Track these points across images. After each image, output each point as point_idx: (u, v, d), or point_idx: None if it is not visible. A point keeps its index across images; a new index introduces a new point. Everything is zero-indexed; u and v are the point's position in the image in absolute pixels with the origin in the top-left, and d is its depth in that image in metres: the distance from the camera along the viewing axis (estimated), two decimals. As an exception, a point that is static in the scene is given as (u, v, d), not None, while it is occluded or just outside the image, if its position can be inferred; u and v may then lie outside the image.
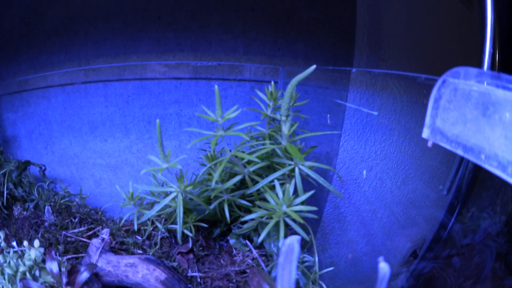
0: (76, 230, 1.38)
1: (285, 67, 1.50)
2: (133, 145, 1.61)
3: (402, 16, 1.38)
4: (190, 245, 1.32)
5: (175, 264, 1.29)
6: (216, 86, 0.94)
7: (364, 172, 1.41)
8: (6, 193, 1.52)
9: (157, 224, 1.27)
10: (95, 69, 1.55)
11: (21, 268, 1.17)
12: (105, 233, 1.30)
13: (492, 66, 0.99)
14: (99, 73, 1.55)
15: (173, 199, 1.10)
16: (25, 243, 1.23)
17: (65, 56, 1.57)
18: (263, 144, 1.11)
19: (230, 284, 1.26)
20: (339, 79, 1.34)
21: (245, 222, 1.25)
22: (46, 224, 1.44)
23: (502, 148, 0.52)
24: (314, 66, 0.90)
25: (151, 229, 1.35)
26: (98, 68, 1.54)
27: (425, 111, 0.65)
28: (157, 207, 1.12)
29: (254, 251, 1.26)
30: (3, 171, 1.56)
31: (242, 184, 1.18)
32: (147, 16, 1.49)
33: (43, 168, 1.55)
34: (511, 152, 0.51)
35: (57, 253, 1.29)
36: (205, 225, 1.23)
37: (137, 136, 1.61)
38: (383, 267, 0.55)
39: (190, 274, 1.26)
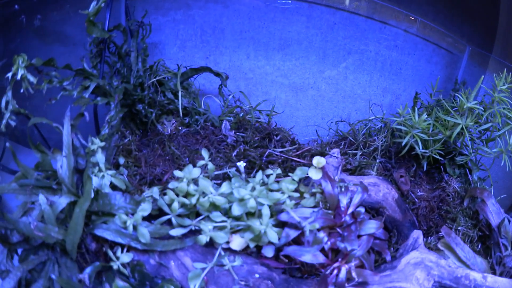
0: (279, 150, 1.32)
1: (471, 47, 1.59)
2: (326, 70, 1.55)
3: None
4: (404, 169, 1.37)
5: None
6: None
7: None
8: (165, 102, 1.38)
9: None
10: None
11: (284, 196, 1.10)
12: (336, 152, 1.29)
13: None
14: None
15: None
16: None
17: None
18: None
19: (440, 204, 1.36)
20: None
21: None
22: (229, 141, 1.35)
23: None
24: None
25: (361, 153, 1.36)
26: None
27: None
28: None
29: (470, 176, 1.37)
30: (156, 78, 1.39)
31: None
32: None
33: (226, 76, 1.42)
34: None
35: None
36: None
37: (333, 63, 1.55)
38: None
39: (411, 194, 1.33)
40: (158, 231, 1.09)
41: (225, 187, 1.10)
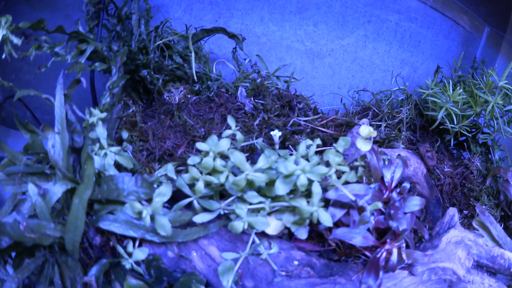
0: (305, 118, 1.22)
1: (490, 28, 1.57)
2: (345, 37, 1.46)
3: None
4: (428, 144, 1.31)
5: (418, 161, 1.29)
6: None
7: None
8: (173, 67, 1.24)
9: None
10: None
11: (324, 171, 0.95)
12: (365, 122, 1.21)
13: None
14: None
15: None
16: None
17: None
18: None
19: (463, 181, 1.32)
20: None
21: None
22: (247, 108, 1.24)
23: None
24: None
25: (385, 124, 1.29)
26: None
27: None
28: None
29: (493, 155, 1.34)
30: (162, 41, 1.25)
31: None
32: None
33: (241, 37, 1.27)
34: None
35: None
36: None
37: (353, 30, 1.46)
38: None
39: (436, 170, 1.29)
40: (178, 218, 0.92)
41: (262, 161, 0.93)
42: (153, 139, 1.14)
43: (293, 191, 0.94)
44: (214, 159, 0.93)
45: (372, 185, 1.00)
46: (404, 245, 0.95)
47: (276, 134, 1.03)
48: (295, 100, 1.26)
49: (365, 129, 0.99)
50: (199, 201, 0.94)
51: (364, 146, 0.99)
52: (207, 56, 1.30)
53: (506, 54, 1.56)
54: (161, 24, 1.26)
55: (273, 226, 0.95)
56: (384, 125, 1.29)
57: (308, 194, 0.94)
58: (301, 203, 0.92)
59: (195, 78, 1.23)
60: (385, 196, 1.01)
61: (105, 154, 0.97)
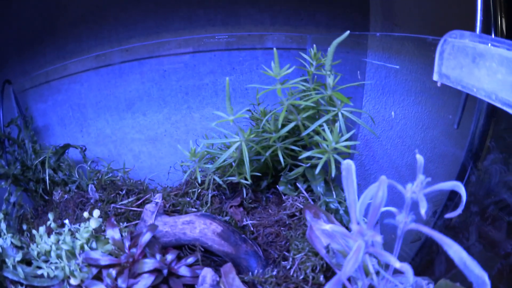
0: (125, 201, 1.42)
1: (312, 35, 1.57)
2: (171, 116, 1.65)
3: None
4: (239, 198, 1.36)
5: (227, 218, 1.33)
6: (274, 49, 1.14)
7: (392, 113, 1.45)
8: (47, 179, 1.56)
9: (216, 178, 1.32)
10: (128, 49, 1.59)
11: (78, 242, 1.20)
12: (157, 198, 1.34)
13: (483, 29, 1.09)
14: (133, 52, 1.60)
15: (235, 150, 1.22)
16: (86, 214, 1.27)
17: (94, 41, 1.61)
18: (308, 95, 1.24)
19: (282, 228, 1.30)
20: (357, 44, 1.41)
21: (292, 169, 1.32)
22: (92, 201, 1.48)
23: (486, 83, 0.76)
24: (348, 32, 1.11)
25: (199, 190, 1.39)
26: (131, 47, 1.58)
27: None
28: (223, 156, 1.22)
29: (304, 192, 1.30)
30: (40, 159, 1.59)
31: (292, 133, 1.29)
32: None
33: (84, 148, 1.58)
34: (493, 85, 0.74)
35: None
36: (259, 174, 1.29)
37: (175, 107, 1.65)
38: (419, 157, 0.70)
39: (244, 223, 1.31)
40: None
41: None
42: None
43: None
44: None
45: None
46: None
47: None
48: (125, 188, 1.47)
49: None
50: None
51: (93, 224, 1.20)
52: (72, 164, 1.61)
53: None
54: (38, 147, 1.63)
55: None
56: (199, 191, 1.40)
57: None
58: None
59: (47, 186, 1.54)
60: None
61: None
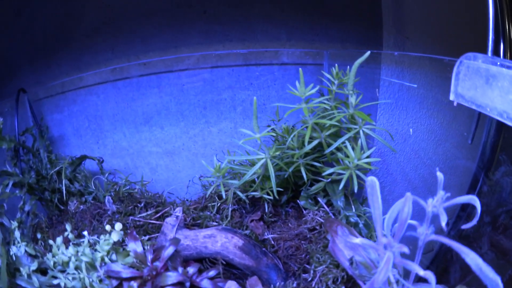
0: (143, 214, 1.42)
1: (328, 50, 1.61)
2: (189, 130, 1.66)
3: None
4: (260, 212, 1.37)
5: (247, 232, 1.34)
6: (300, 69, 1.19)
7: (411, 130, 1.48)
8: (63, 189, 1.56)
9: (238, 193, 1.33)
10: (146, 63, 1.60)
11: (99, 254, 1.21)
12: (178, 211, 1.35)
13: (495, 51, 1.14)
14: (151, 66, 1.61)
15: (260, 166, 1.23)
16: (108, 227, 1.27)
17: (111, 54, 1.63)
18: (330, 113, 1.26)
19: (302, 241, 1.31)
20: (371, 59, 1.44)
21: (312, 185, 1.34)
22: (109, 213, 1.48)
23: (499, 103, 0.81)
24: (368, 52, 1.15)
25: (218, 204, 1.40)
26: (149, 62, 1.60)
27: (449, 83, 0.94)
28: (249, 172, 1.24)
29: (325, 206, 1.32)
30: (56, 169, 1.59)
31: (313, 149, 1.31)
32: (192, 11, 1.58)
33: (101, 160, 1.59)
34: (505, 105, 0.79)
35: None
36: (281, 189, 1.31)
37: (193, 121, 1.66)
38: (439, 175, 0.76)
39: (265, 236, 1.32)
40: None
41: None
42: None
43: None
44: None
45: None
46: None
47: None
48: (143, 200, 1.48)
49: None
50: None
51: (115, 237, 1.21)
52: (88, 175, 1.61)
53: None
54: (54, 157, 1.63)
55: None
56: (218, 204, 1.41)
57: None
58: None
59: (64, 197, 1.55)
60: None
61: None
